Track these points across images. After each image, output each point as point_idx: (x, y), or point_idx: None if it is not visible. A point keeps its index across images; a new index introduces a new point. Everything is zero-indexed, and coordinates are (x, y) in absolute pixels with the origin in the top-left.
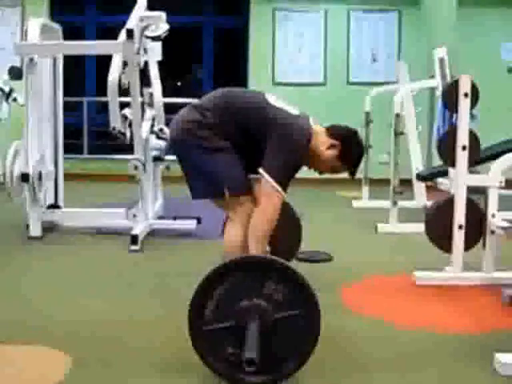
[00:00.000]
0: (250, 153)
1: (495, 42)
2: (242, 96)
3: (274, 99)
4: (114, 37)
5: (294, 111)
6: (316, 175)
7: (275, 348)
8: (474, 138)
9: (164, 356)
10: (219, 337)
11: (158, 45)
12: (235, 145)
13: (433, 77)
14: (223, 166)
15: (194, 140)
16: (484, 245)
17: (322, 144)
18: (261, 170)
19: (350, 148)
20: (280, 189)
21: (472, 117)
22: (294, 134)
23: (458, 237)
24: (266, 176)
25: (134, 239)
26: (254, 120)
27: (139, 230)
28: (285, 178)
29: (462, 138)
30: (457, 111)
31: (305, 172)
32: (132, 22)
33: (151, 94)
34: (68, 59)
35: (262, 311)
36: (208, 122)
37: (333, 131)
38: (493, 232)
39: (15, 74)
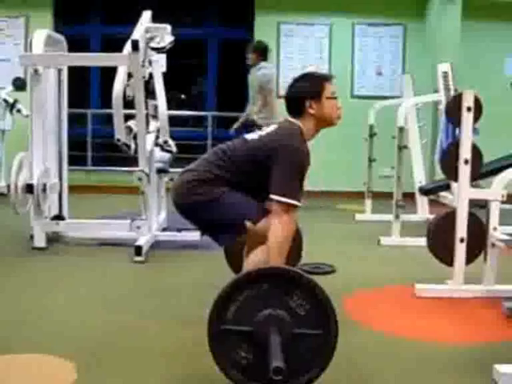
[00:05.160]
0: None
1: (499, 56)
2: (231, 146)
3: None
4: (119, 48)
5: (271, 128)
6: (316, 188)
7: (289, 361)
8: (476, 151)
9: (168, 366)
10: (235, 339)
11: (163, 57)
12: (238, 185)
13: (437, 91)
14: (233, 205)
15: (194, 199)
16: (485, 258)
17: (309, 126)
18: (273, 197)
19: (313, 93)
20: (294, 202)
21: (474, 130)
22: (289, 144)
23: (460, 250)
24: (281, 199)
25: (138, 250)
26: (249, 161)
27: (143, 241)
28: (297, 189)
29: (465, 152)
30: (460, 125)
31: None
32: (137, 33)
33: (156, 106)
34: (72, 71)
35: (282, 323)
36: (202, 178)
37: (295, 107)
38: (494, 245)
39: (19, 85)
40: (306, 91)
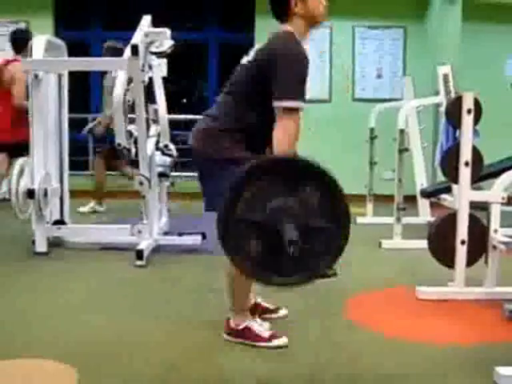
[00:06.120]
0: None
1: (500, 58)
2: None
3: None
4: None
5: (260, 44)
6: None
7: (302, 251)
8: (477, 154)
9: (170, 371)
10: (247, 230)
11: (163, 61)
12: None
13: (437, 93)
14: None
15: (216, 151)
16: (486, 260)
17: (298, 27)
18: (275, 104)
19: None
20: (296, 104)
21: (474, 132)
22: (286, 50)
23: (461, 252)
24: (281, 104)
25: (139, 254)
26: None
27: (144, 245)
28: (301, 92)
29: (465, 154)
30: (460, 127)
31: None
32: (137, 38)
33: (156, 111)
34: (73, 76)
35: (294, 214)
36: (227, 128)
37: (281, 10)
38: (495, 247)
39: None
40: None
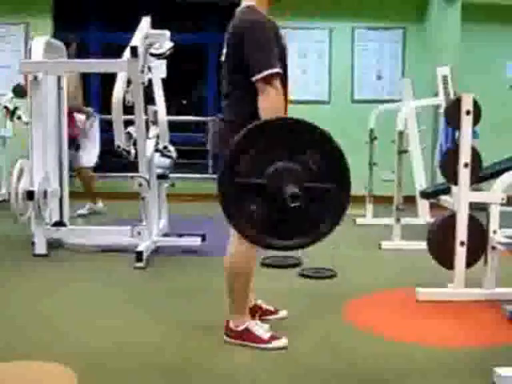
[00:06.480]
0: None
1: (499, 59)
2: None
3: None
4: (119, 54)
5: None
6: None
7: (304, 213)
8: (476, 155)
9: (169, 373)
10: (248, 193)
11: (163, 63)
12: None
13: (437, 94)
14: None
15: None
16: (485, 261)
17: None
18: (253, 79)
19: None
20: (270, 71)
21: (473, 133)
22: (245, 22)
23: (460, 253)
24: (258, 76)
25: (139, 256)
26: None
27: (144, 247)
28: (273, 58)
29: (464, 156)
30: (459, 128)
31: None
32: (136, 39)
33: (155, 112)
34: None
35: (295, 175)
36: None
37: None
38: (494, 248)
39: (19, 92)
40: None
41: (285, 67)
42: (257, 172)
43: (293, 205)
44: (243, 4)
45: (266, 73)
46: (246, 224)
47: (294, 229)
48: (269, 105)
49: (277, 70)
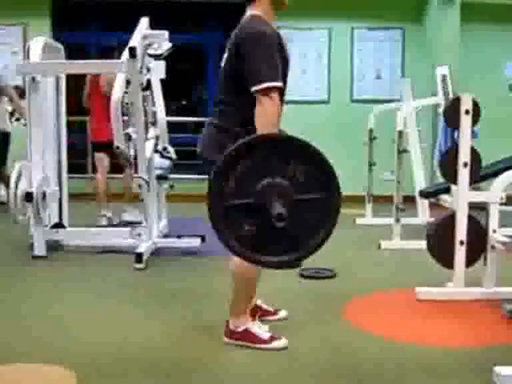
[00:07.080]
0: None
1: (499, 59)
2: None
3: None
4: (117, 55)
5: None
6: None
7: (296, 227)
8: (475, 154)
9: (170, 375)
10: (238, 213)
11: (161, 63)
12: None
13: (436, 94)
14: None
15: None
16: (485, 260)
17: (265, 8)
18: (251, 89)
19: None
20: (270, 84)
21: (472, 133)
22: (249, 32)
23: (460, 253)
24: (257, 87)
25: (139, 257)
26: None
27: (143, 248)
28: (274, 70)
29: (464, 155)
30: (458, 128)
31: None
32: (135, 40)
33: (155, 113)
34: (71, 78)
35: (282, 190)
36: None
37: None
38: (493, 247)
39: (18, 93)
40: None
41: (285, 77)
42: (244, 191)
43: (279, 225)
44: (248, 13)
45: (265, 85)
46: (241, 247)
47: (289, 244)
48: (264, 119)
49: (278, 84)
